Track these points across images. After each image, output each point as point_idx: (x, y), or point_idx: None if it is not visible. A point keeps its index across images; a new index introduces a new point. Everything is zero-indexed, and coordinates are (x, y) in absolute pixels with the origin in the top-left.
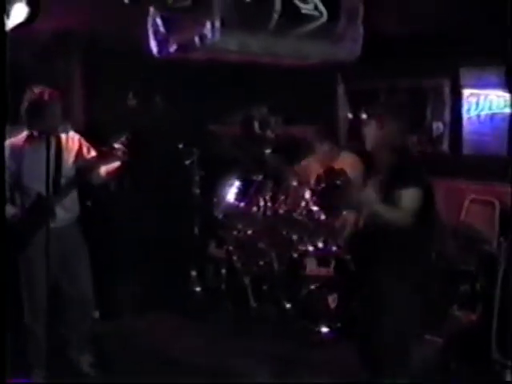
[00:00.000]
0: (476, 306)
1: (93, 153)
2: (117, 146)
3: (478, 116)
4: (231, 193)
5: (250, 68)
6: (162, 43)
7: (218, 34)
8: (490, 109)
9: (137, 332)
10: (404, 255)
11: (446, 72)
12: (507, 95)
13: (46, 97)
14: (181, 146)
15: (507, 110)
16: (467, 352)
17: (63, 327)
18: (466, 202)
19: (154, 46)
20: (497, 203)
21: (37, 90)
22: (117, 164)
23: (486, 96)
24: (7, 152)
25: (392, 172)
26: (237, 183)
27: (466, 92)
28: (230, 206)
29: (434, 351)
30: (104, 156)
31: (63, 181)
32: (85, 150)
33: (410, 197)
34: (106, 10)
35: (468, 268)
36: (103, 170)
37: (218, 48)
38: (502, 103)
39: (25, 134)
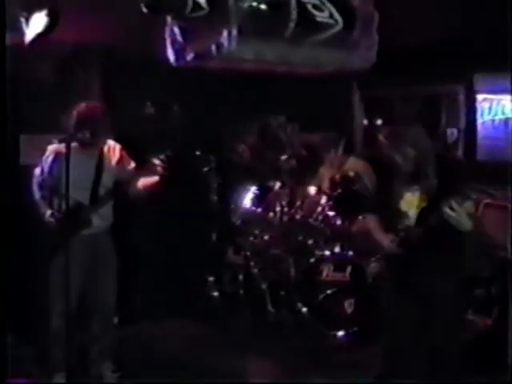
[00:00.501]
0: (491, 310)
1: (132, 164)
2: (156, 162)
3: (492, 121)
4: (248, 199)
5: (267, 76)
6: (179, 52)
7: (234, 43)
8: (503, 113)
9: (155, 338)
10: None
11: (459, 78)
12: None
13: (92, 111)
14: (198, 153)
15: None
16: (483, 357)
17: (86, 333)
18: (481, 207)
19: (171, 54)
20: (511, 208)
21: (84, 103)
22: (155, 178)
23: (499, 101)
24: (52, 157)
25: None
26: (254, 189)
27: (480, 97)
28: (246, 212)
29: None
30: (143, 169)
31: (102, 191)
32: (125, 161)
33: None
34: (125, 20)
35: (483, 273)
36: (141, 182)
37: (234, 56)
38: None
39: (70, 144)
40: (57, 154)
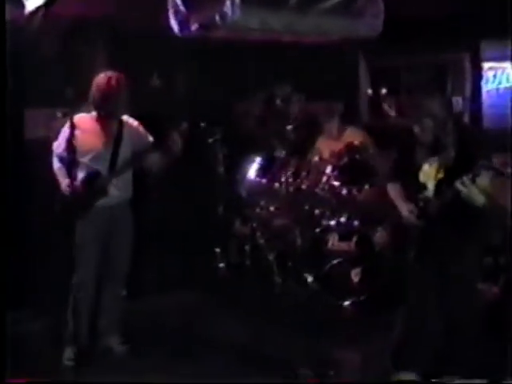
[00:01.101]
0: (499, 279)
1: (150, 138)
2: (175, 135)
3: (497, 89)
4: (253, 170)
5: (272, 46)
6: (182, 23)
7: (238, 12)
8: (507, 81)
9: (163, 310)
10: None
11: (465, 46)
12: None
13: (113, 82)
14: (203, 124)
15: None
16: (491, 325)
17: (96, 306)
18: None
19: (175, 25)
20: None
21: (105, 74)
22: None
23: (504, 69)
24: (72, 127)
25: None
26: (259, 160)
27: (485, 66)
28: (252, 183)
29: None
30: (160, 143)
31: (120, 162)
32: (143, 134)
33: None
34: None
35: (491, 242)
36: (157, 158)
37: (238, 26)
38: None
39: (91, 114)
40: (77, 124)
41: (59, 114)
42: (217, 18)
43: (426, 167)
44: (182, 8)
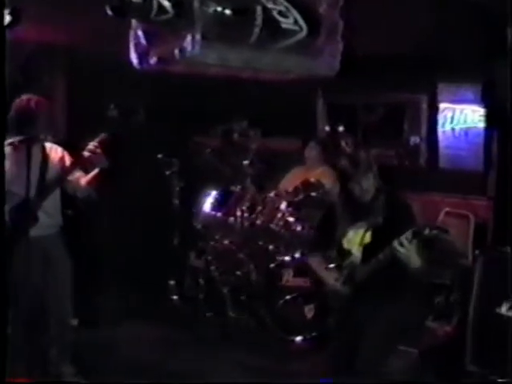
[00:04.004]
0: (451, 318)
1: (70, 159)
2: (91, 144)
3: (453, 130)
4: (209, 203)
5: (231, 82)
6: (142, 55)
7: (198, 47)
8: (465, 123)
9: (116, 340)
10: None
11: (423, 87)
12: (482, 110)
13: (33, 104)
14: (160, 156)
15: (481, 125)
16: (442, 363)
17: (44, 338)
18: (441, 215)
19: (134, 58)
20: (471, 216)
21: (25, 97)
22: (95, 172)
23: (462, 110)
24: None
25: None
26: (215, 193)
27: (442, 106)
28: (207, 216)
29: (410, 362)
30: (81, 159)
31: (45, 186)
32: (66, 159)
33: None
34: (89, 22)
35: (443, 281)
36: (83, 180)
37: (198, 61)
38: (476, 118)
39: (11, 140)
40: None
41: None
42: (176, 52)
43: (350, 234)
44: (142, 41)
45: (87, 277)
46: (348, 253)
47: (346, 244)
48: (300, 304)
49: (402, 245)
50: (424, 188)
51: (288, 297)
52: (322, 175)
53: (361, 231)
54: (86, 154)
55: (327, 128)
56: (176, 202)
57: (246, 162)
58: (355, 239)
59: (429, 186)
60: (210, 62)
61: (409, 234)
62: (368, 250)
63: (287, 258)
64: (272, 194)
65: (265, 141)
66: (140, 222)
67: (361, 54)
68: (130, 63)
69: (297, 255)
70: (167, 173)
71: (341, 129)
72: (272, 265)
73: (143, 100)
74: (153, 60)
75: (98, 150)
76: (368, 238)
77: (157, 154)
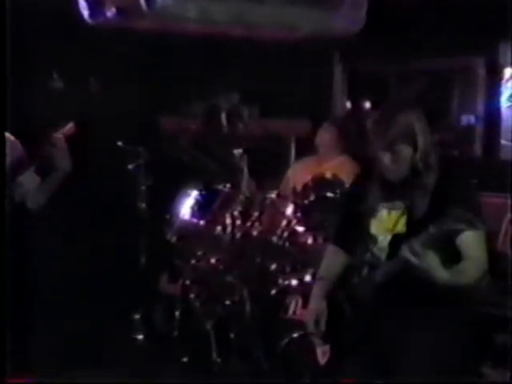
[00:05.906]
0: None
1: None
2: (56, 135)
3: None
4: (187, 207)
5: (216, 42)
6: (94, 6)
7: None
8: None
9: None
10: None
11: (478, 49)
12: None
13: None
14: (121, 143)
15: None
16: None
17: None
18: (505, 224)
19: (84, 9)
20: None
21: None
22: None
23: None
24: None
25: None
26: (195, 194)
27: (506, 74)
28: (186, 224)
29: None
30: (37, 156)
31: None
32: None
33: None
34: None
35: (505, 313)
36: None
37: (171, 15)
38: None
39: None
40: None
41: None
42: (142, 2)
43: (383, 214)
44: None
45: (24, 309)
46: (373, 240)
47: (373, 228)
48: (311, 344)
49: (414, 252)
50: (479, 186)
51: (295, 334)
52: (340, 168)
53: (396, 213)
54: (47, 148)
55: (347, 104)
56: (142, 205)
57: (237, 152)
58: (387, 223)
59: (486, 184)
60: (187, 16)
61: (425, 235)
62: (397, 243)
63: (294, 282)
64: (273, 195)
65: (262, 122)
66: (94, 233)
67: (393, 5)
68: (80, 16)
69: (307, 278)
70: (130, 166)
71: (366, 105)
72: (273, 291)
73: (97, 66)
74: (109, 12)
75: (63, 146)
76: (402, 224)
77: (116, 141)
